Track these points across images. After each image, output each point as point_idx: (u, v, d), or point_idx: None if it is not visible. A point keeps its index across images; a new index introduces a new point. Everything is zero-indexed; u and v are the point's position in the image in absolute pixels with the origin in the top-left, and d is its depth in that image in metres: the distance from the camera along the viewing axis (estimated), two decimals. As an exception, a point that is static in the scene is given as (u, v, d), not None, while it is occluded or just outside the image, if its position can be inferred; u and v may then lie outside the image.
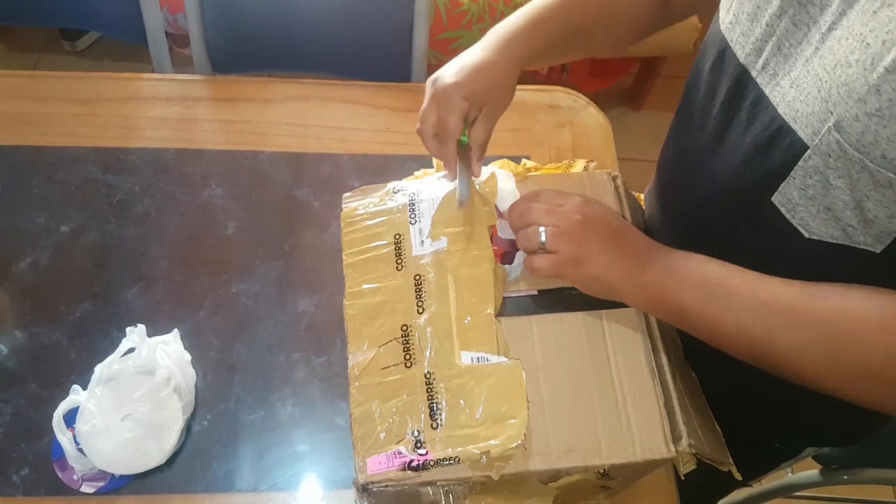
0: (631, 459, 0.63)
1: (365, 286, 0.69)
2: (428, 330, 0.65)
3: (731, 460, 0.67)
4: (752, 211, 0.66)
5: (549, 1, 0.80)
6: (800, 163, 0.58)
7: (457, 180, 0.73)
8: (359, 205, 0.74)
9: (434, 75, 0.76)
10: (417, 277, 0.68)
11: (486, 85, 0.74)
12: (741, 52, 0.65)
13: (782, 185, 0.61)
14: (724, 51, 0.68)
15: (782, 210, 0.62)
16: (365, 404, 0.64)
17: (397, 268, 0.69)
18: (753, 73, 0.64)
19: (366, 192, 0.76)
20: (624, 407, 0.65)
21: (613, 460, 0.63)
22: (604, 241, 0.67)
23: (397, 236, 0.70)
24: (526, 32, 0.78)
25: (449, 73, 0.74)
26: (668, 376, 0.67)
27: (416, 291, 0.67)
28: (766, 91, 0.62)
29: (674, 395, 0.66)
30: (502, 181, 0.75)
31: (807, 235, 0.61)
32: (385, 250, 0.70)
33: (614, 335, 0.69)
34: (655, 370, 0.67)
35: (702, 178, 0.73)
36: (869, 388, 0.58)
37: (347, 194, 0.76)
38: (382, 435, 0.62)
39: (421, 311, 0.66)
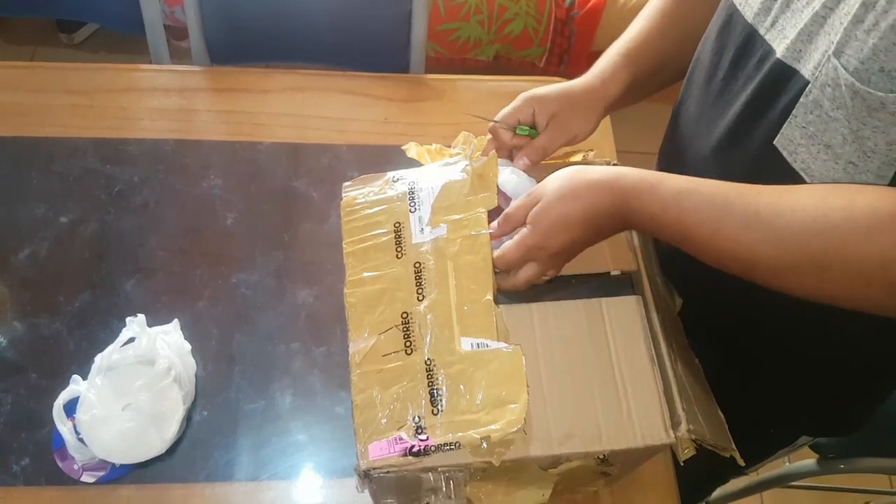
0: (630, 445, 0.63)
1: (365, 274, 0.69)
2: (428, 317, 0.66)
3: (734, 446, 0.67)
4: (753, 160, 0.67)
5: (640, 34, 0.84)
6: (801, 99, 0.60)
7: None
8: (358, 194, 0.75)
9: None
10: (417, 265, 0.68)
11: (559, 104, 0.80)
12: (749, 12, 0.67)
13: (784, 126, 0.62)
14: (732, 14, 0.70)
15: (784, 153, 0.63)
16: (366, 391, 0.64)
17: (397, 256, 0.69)
18: (762, 32, 0.66)
19: (365, 181, 0.76)
20: (624, 393, 0.65)
21: (613, 446, 0.63)
22: (578, 244, 0.68)
23: (397, 224, 0.71)
24: (621, 65, 0.82)
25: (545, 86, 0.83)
26: (668, 363, 0.67)
27: (415, 279, 0.67)
28: (774, 45, 0.64)
29: (673, 381, 0.66)
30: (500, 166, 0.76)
31: (808, 180, 0.62)
32: (385, 238, 0.70)
33: (614, 322, 0.69)
34: (655, 357, 0.68)
35: (704, 137, 0.74)
36: (862, 293, 0.55)
37: (347, 183, 0.76)
38: (383, 421, 0.62)
39: (421, 298, 0.66)
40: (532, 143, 0.80)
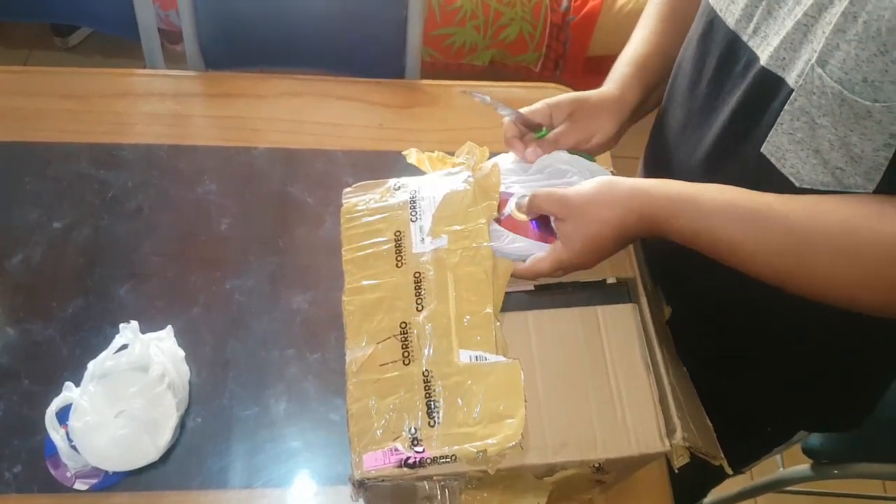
0: (626, 454, 0.63)
1: (364, 282, 0.69)
2: (427, 328, 0.65)
3: (722, 454, 0.68)
4: (743, 168, 0.67)
5: (644, 41, 0.85)
6: (786, 107, 0.61)
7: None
8: (359, 200, 0.74)
9: None
10: (417, 275, 0.68)
11: (575, 106, 0.80)
12: (731, 18, 0.67)
13: (770, 133, 0.63)
14: (713, 20, 0.70)
15: (772, 160, 0.64)
16: (362, 400, 0.64)
17: (397, 265, 0.69)
18: (745, 38, 0.66)
19: (366, 188, 0.76)
20: (619, 401, 0.65)
21: (609, 454, 0.63)
22: (607, 256, 0.70)
23: (398, 233, 0.70)
24: (632, 73, 0.83)
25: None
26: (663, 371, 0.68)
27: (415, 289, 0.67)
28: (758, 52, 0.64)
29: (668, 389, 0.66)
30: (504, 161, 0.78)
31: (797, 185, 0.63)
32: (385, 247, 0.70)
33: (610, 330, 0.69)
34: (650, 365, 0.68)
35: (692, 145, 0.75)
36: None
37: (348, 189, 0.76)
38: (379, 432, 0.62)
39: (420, 308, 0.66)
40: (546, 136, 0.81)
